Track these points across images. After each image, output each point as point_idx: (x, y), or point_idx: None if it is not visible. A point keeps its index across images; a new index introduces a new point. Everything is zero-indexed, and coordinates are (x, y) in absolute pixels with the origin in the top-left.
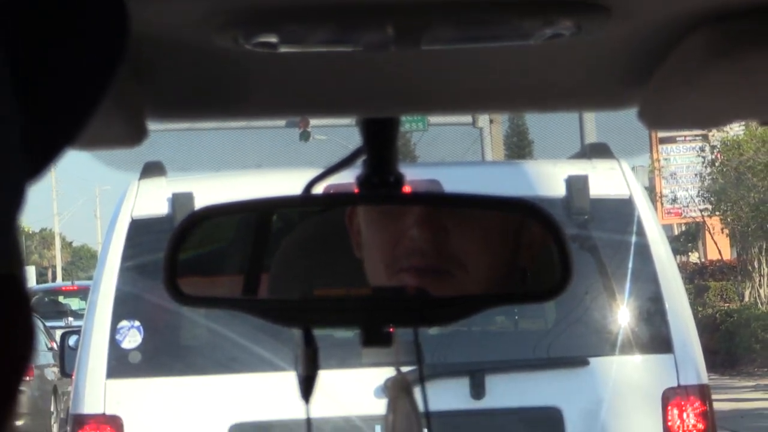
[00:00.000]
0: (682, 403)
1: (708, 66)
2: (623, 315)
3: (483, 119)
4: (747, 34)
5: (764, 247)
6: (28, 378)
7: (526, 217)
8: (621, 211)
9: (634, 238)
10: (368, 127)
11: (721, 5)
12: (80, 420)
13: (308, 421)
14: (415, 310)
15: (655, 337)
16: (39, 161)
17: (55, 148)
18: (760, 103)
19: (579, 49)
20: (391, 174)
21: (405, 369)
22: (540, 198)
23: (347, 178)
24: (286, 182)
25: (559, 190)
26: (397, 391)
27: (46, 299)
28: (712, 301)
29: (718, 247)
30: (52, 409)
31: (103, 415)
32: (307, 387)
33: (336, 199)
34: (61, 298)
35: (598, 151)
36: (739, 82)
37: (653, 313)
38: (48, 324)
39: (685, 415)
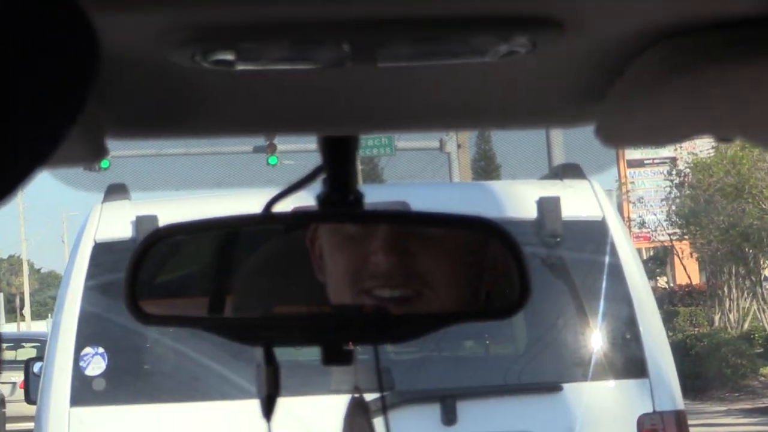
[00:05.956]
0: (658, 430)
1: (663, 82)
2: (596, 339)
3: (451, 144)
4: (702, 51)
5: (734, 271)
6: None
7: (484, 234)
8: (594, 232)
9: (607, 260)
10: (327, 145)
11: (675, 22)
12: None
13: None
14: (374, 327)
15: (630, 361)
16: (7, 182)
17: (24, 170)
18: (717, 120)
19: (535, 66)
20: (351, 192)
21: (374, 396)
22: (510, 220)
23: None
24: (252, 203)
25: (530, 212)
26: (353, 410)
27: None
28: (681, 326)
29: (687, 271)
30: None
31: None
32: (268, 406)
33: (297, 217)
34: None
35: (570, 171)
36: (694, 98)
37: (627, 337)
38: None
39: None
